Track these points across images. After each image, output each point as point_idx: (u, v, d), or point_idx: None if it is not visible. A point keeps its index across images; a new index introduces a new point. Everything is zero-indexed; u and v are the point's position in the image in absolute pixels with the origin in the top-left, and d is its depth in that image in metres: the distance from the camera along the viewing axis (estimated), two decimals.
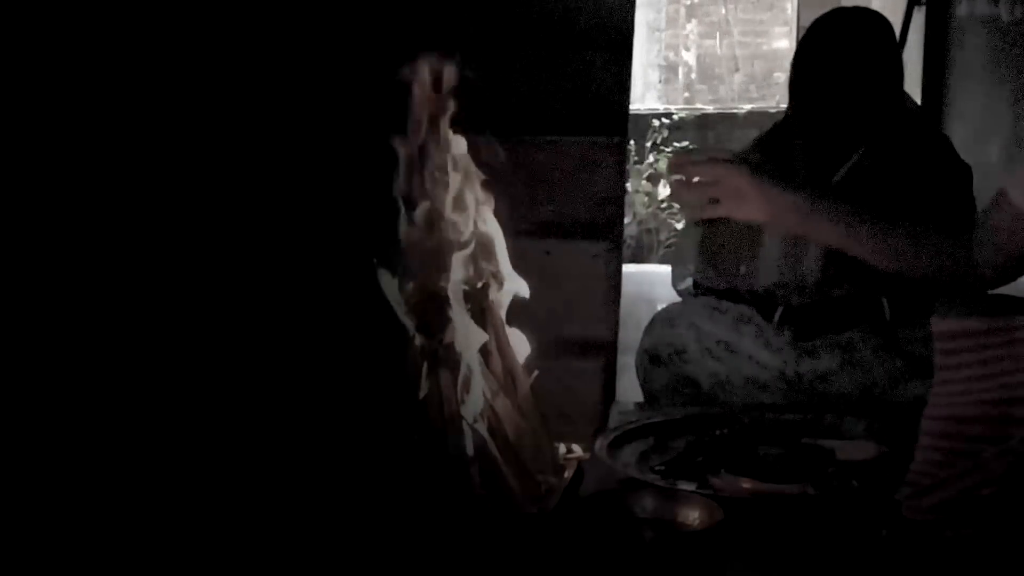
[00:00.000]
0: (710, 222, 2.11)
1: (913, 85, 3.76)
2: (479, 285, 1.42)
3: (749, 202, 1.50)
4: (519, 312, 1.52)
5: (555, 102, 1.94)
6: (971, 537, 1.14)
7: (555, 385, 1.55)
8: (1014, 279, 1.51)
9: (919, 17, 3.82)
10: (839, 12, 2.06)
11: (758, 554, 1.24)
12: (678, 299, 2.15)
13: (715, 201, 1.52)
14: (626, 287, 2.06)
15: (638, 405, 2.03)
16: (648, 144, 6.57)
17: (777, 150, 2.10)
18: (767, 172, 1.55)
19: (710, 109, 7.53)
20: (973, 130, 3.51)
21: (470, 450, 1.33)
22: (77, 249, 1.74)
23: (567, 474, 1.44)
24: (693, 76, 8.85)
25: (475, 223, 1.42)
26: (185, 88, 1.80)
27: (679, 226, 6.05)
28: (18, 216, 1.71)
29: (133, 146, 1.78)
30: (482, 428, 1.35)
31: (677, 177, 1.56)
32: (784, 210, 1.50)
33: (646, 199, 6.45)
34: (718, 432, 1.60)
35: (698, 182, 1.53)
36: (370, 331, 1.46)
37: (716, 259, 2.08)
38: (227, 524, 1.29)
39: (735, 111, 7.34)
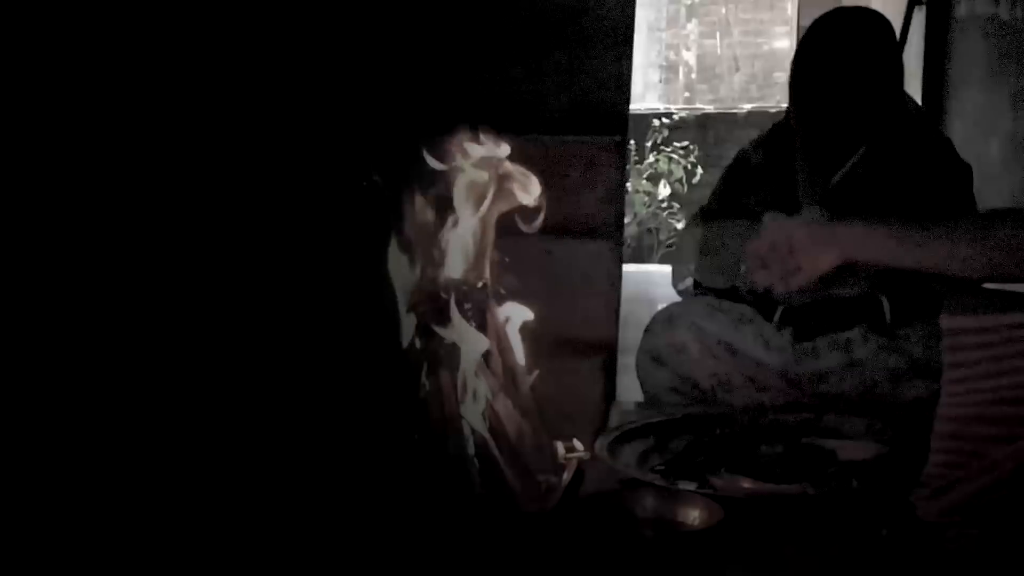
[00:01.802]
0: (709, 222, 2.11)
1: (913, 85, 3.76)
2: (479, 285, 1.42)
3: (820, 252, 1.48)
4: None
5: (555, 102, 1.94)
6: (975, 537, 1.14)
7: (555, 385, 1.56)
8: None
9: (919, 17, 3.81)
10: (839, 12, 2.05)
11: (758, 554, 1.24)
12: (678, 299, 2.14)
13: (798, 268, 1.51)
14: (626, 287, 2.06)
15: (638, 405, 2.03)
16: (648, 144, 6.56)
17: (777, 150, 2.09)
18: (820, 218, 1.53)
19: (710, 109, 7.52)
20: (973, 130, 3.51)
21: (470, 450, 1.33)
22: (77, 249, 1.74)
23: (567, 474, 1.44)
24: (693, 76, 8.85)
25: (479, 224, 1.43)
26: (190, 91, 1.80)
27: (679, 226, 6.05)
28: (18, 216, 1.71)
29: (134, 146, 1.78)
30: (482, 428, 1.35)
31: (757, 264, 1.55)
32: (853, 245, 1.47)
33: (646, 199, 6.44)
34: (718, 432, 1.60)
35: (776, 262, 1.52)
36: (370, 331, 1.46)
37: (716, 259, 2.07)
38: (227, 524, 1.29)
39: (735, 111, 7.34)
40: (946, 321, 1.22)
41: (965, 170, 2.01)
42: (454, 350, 1.35)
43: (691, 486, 1.39)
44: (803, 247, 1.48)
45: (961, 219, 1.44)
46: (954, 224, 1.39)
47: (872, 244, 1.43)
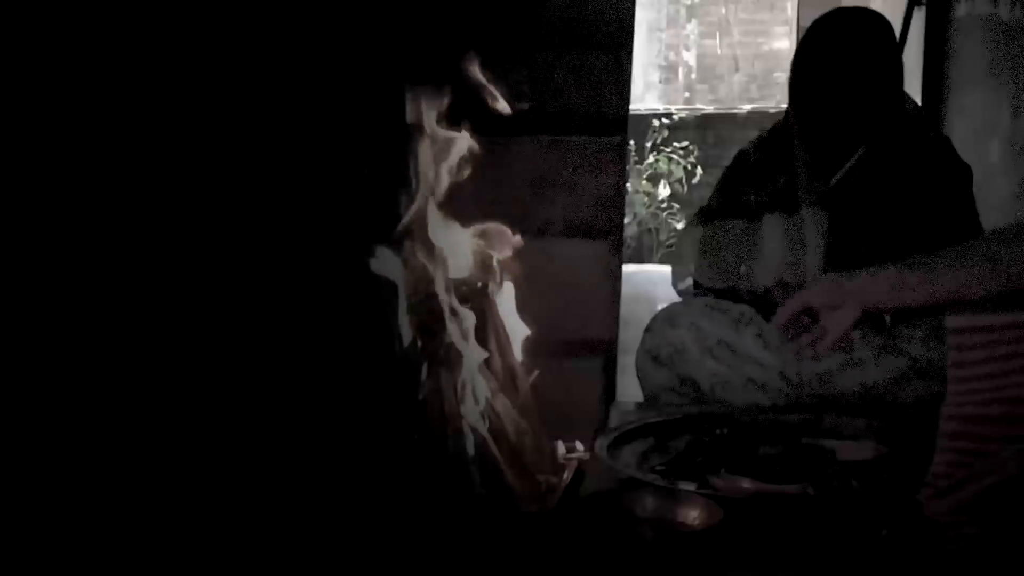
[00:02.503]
0: (709, 222, 2.11)
1: (913, 85, 3.76)
2: (479, 285, 1.42)
3: (840, 311, 1.49)
4: (520, 312, 1.52)
5: (555, 102, 1.94)
6: (973, 536, 1.14)
7: (555, 385, 1.56)
8: None
9: (919, 17, 3.81)
10: (839, 12, 2.06)
11: (758, 554, 1.24)
12: (678, 299, 2.15)
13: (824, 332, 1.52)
14: (626, 287, 2.06)
15: (638, 405, 2.03)
16: (648, 144, 6.56)
17: (777, 150, 2.10)
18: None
19: (710, 109, 7.52)
20: (973, 130, 3.51)
21: (470, 450, 1.33)
22: (77, 249, 1.74)
23: (567, 474, 1.44)
24: (693, 76, 8.85)
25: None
26: (184, 87, 1.80)
27: (679, 226, 6.05)
28: (18, 216, 1.71)
29: (132, 145, 1.78)
30: (482, 428, 1.35)
31: (786, 338, 1.55)
32: (869, 296, 1.47)
33: (646, 199, 6.44)
34: (718, 432, 1.60)
35: (804, 333, 1.53)
36: (370, 331, 1.46)
37: (716, 259, 2.07)
38: (228, 524, 1.29)
39: (735, 111, 7.33)
40: (952, 320, 1.22)
41: (964, 170, 2.01)
42: (454, 350, 1.36)
43: (691, 486, 1.39)
44: (823, 311, 1.50)
45: (970, 244, 1.43)
46: (964, 251, 1.38)
47: (887, 290, 1.44)
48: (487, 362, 1.40)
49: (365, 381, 1.43)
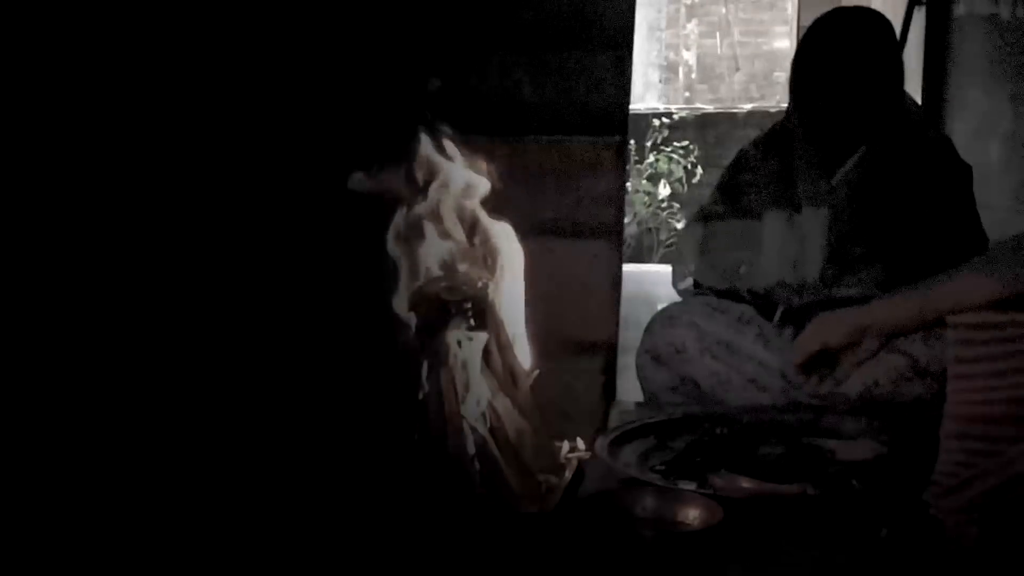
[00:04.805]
0: (709, 222, 2.11)
1: (913, 85, 3.76)
2: (479, 285, 1.42)
3: (857, 344, 1.53)
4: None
5: (555, 102, 1.94)
6: (975, 534, 1.14)
7: (555, 385, 1.56)
8: None
9: (919, 17, 3.81)
10: (839, 12, 2.05)
11: (758, 554, 1.24)
12: (678, 299, 2.14)
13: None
14: (626, 287, 2.06)
15: (638, 405, 2.03)
16: (648, 144, 6.56)
17: (777, 150, 2.09)
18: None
19: (710, 109, 7.51)
20: (973, 130, 3.50)
21: (470, 450, 1.33)
22: (78, 249, 1.74)
23: (567, 474, 1.44)
24: (693, 76, 8.86)
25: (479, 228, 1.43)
26: (188, 90, 1.80)
27: (679, 226, 6.04)
28: (18, 216, 1.71)
29: (136, 146, 1.78)
30: (482, 428, 1.35)
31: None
32: (882, 324, 1.50)
33: (646, 199, 6.44)
34: (718, 432, 1.60)
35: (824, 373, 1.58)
36: (370, 332, 1.46)
37: (716, 259, 2.07)
38: (228, 524, 1.29)
39: (735, 111, 7.33)
40: (953, 318, 1.22)
41: (965, 170, 2.01)
42: (454, 350, 1.35)
43: (691, 486, 1.39)
44: (842, 349, 1.53)
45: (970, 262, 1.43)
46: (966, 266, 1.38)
47: (904, 316, 1.46)
48: (487, 362, 1.40)
49: (366, 381, 1.43)
